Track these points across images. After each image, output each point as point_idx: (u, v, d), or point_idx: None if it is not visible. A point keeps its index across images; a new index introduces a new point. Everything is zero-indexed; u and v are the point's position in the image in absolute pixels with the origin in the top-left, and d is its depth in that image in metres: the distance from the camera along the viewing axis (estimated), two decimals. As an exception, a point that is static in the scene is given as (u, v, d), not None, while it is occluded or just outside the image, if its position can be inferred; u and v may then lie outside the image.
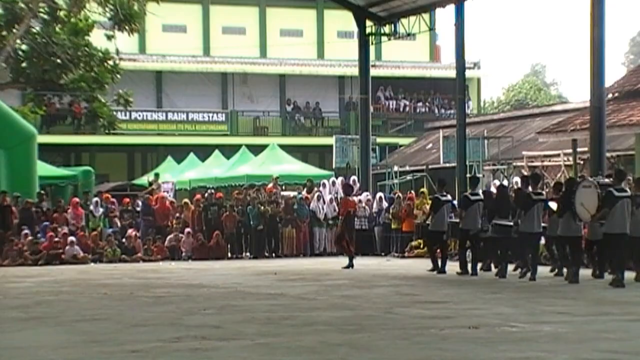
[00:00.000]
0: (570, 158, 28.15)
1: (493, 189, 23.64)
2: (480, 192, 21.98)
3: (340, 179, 31.37)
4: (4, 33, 35.52)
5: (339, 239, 24.53)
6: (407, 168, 37.94)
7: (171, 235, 28.77)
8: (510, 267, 19.82)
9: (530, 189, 19.23)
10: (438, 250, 21.88)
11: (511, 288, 16.81)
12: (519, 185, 21.87)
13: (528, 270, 18.95)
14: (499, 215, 19.78)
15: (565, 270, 18.80)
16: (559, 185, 19.98)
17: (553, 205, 19.01)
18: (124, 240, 28.29)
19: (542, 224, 19.14)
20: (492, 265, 20.71)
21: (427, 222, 23.06)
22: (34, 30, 36.00)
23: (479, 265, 20.73)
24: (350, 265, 23.11)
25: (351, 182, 28.42)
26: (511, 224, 19.33)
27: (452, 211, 21.61)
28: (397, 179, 35.79)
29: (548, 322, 11.44)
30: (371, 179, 33.18)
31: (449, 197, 21.83)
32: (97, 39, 36.28)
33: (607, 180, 19.26)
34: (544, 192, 19.94)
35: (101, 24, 36.54)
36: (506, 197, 20.58)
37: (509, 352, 9.00)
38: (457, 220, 20.97)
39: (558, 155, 30.37)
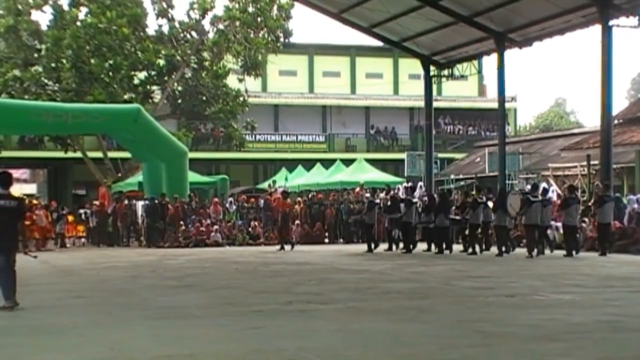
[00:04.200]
0: (585, 169, 27.61)
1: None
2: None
3: (410, 184, 31.17)
4: (166, 78, 36.32)
5: (280, 231, 24.90)
6: (461, 176, 37.50)
7: (285, 226, 28.91)
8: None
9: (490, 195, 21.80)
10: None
11: (540, 266, 16.52)
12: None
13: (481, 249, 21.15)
14: (444, 214, 21.61)
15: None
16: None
17: (491, 204, 21.21)
18: (250, 229, 28.58)
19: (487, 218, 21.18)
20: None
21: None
22: (187, 76, 36.72)
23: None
24: (282, 248, 23.58)
25: (403, 188, 27.86)
26: (457, 217, 21.86)
27: (416, 210, 22.68)
28: (453, 185, 35.42)
29: (567, 292, 11.25)
30: (434, 184, 32.91)
31: (416, 200, 23.13)
32: (231, 81, 36.89)
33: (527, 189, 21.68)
34: (484, 197, 21.57)
35: (234, 70, 37.15)
36: (447, 201, 22.63)
37: (537, 315, 8.87)
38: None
39: (576, 166, 29.77)
